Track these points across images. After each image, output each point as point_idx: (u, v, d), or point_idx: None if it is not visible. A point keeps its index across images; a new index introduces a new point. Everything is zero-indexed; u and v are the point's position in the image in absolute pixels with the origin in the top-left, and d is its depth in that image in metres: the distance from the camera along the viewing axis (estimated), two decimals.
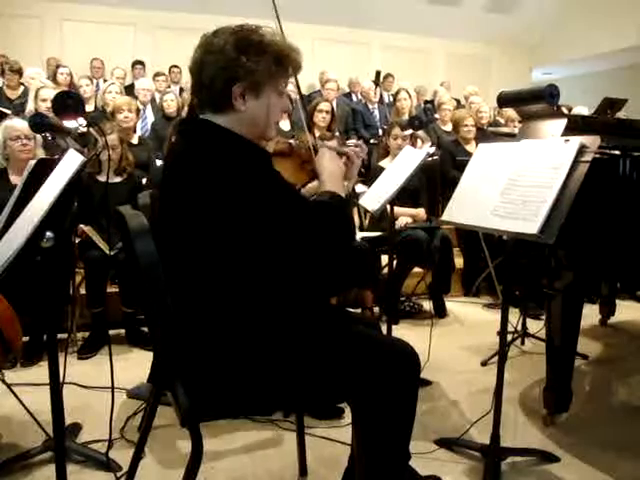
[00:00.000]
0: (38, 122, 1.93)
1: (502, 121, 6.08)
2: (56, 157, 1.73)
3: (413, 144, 3.87)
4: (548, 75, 10.48)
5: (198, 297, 1.31)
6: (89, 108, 5.46)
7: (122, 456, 1.93)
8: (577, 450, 2.08)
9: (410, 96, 6.11)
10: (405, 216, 3.76)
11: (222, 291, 1.29)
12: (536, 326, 3.25)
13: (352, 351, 1.35)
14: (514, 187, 1.71)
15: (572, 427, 2.27)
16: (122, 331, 3.26)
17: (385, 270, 3.49)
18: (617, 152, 2.09)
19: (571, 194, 1.57)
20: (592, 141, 1.64)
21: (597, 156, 1.82)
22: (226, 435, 2.15)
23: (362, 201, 2.72)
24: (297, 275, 1.26)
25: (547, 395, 2.27)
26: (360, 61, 9.03)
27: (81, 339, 3.15)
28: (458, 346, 3.26)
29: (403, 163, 2.62)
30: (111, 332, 3.23)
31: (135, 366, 2.75)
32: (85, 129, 1.91)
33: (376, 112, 6.80)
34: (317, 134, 4.26)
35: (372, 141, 6.02)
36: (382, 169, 3.04)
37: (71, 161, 1.61)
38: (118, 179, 3.30)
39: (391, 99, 7.16)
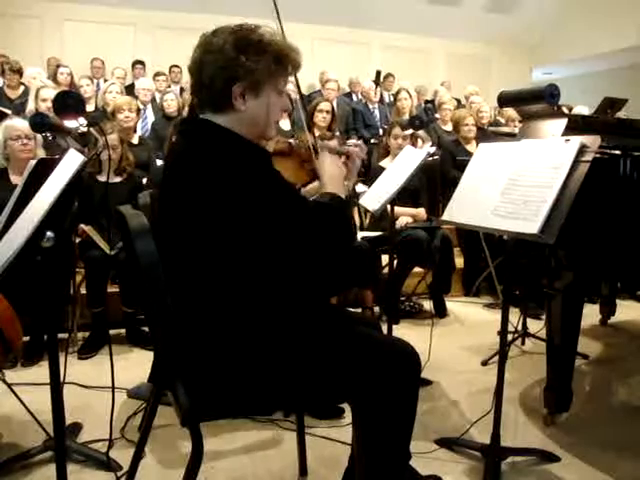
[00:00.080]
0: (39, 122, 1.93)
1: (502, 121, 6.08)
2: (56, 157, 1.73)
3: (413, 144, 3.87)
4: (548, 75, 10.48)
5: (198, 297, 1.31)
6: (89, 108, 5.46)
7: (122, 456, 1.93)
8: (577, 450, 2.08)
9: (410, 96, 6.12)
10: (405, 216, 3.76)
11: (222, 291, 1.29)
12: (536, 326, 3.25)
13: (352, 351, 1.35)
14: (514, 187, 1.71)
15: (572, 427, 2.27)
16: (122, 331, 3.26)
17: (385, 270, 3.49)
18: (617, 152, 2.09)
19: (571, 194, 1.57)
20: (592, 141, 1.64)
21: (597, 156, 1.82)
22: (226, 435, 2.15)
23: (362, 201, 2.72)
24: (297, 275, 1.26)
25: (547, 395, 2.27)
26: (360, 61, 9.03)
27: (81, 339, 3.15)
28: (458, 346, 3.26)
29: (403, 163, 2.62)
30: (111, 332, 3.23)
31: (135, 366, 2.75)
32: (85, 129, 1.91)
33: (376, 112, 6.80)
34: (317, 134, 4.27)
35: (372, 141, 6.03)
36: (382, 169, 3.04)
37: (71, 161, 1.61)
38: (118, 179, 3.30)
39: (391, 99, 7.16)
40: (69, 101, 1.97)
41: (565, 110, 4.77)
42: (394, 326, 2.71)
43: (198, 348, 1.32)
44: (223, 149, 1.29)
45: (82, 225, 3.01)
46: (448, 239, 3.79)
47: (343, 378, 1.34)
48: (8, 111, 4.23)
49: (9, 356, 2.29)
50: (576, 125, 2.11)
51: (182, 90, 6.66)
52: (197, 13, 7.52)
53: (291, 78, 1.52)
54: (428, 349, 2.51)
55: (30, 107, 4.45)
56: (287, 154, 1.78)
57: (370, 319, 2.64)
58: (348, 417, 2.19)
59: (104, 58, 7.32)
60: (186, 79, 6.68)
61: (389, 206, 2.59)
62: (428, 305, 3.89)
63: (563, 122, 2.00)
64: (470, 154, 3.55)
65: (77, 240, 3.07)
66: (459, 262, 4.20)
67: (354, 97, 7.43)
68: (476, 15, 9.36)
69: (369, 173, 4.01)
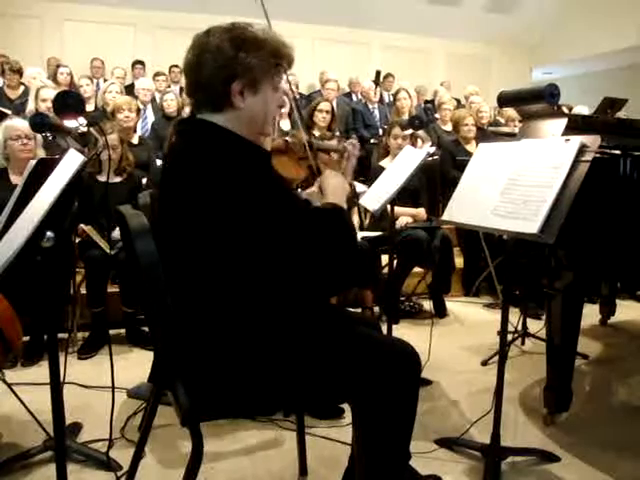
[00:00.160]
0: (39, 122, 1.93)
1: (502, 121, 6.08)
2: (56, 157, 1.73)
3: (413, 144, 3.87)
4: (548, 75, 10.48)
5: (198, 297, 1.31)
6: (89, 108, 5.46)
7: (122, 456, 1.93)
8: (577, 450, 2.08)
9: (410, 96, 6.12)
10: (405, 216, 3.76)
11: (221, 291, 1.28)
12: (536, 326, 3.25)
13: (352, 351, 1.35)
14: (514, 187, 1.71)
15: (572, 427, 2.27)
16: (122, 331, 3.26)
17: (385, 270, 3.49)
18: (617, 152, 2.09)
19: (571, 194, 1.57)
20: (592, 141, 1.64)
21: (597, 156, 1.82)
22: (226, 435, 2.15)
23: (362, 201, 2.72)
24: (297, 275, 1.26)
25: (547, 395, 2.27)
26: (360, 61, 9.03)
27: (81, 339, 3.15)
28: (458, 346, 3.26)
29: (403, 163, 2.62)
30: (111, 332, 3.23)
31: (135, 366, 2.75)
32: (85, 129, 1.91)
33: (376, 112, 6.80)
34: (317, 134, 4.27)
35: (372, 141, 6.03)
36: (382, 169, 3.04)
37: (71, 161, 1.61)
38: (118, 179, 3.30)
39: (391, 99, 7.16)
40: (69, 101, 1.97)
41: (565, 110, 4.77)
42: (394, 326, 2.72)
43: (198, 348, 1.31)
44: (222, 149, 1.29)
45: (82, 225, 3.01)
46: (448, 239, 3.79)
47: (343, 378, 1.34)
48: (8, 111, 4.23)
49: (9, 356, 2.29)
50: (576, 125, 2.11)
51: (182, 90, 6.65)
52: (197, 13, 7.51)
53: (285, 77, 1.52)
54: (428, 349, 2.51)
55: (30, 107, 4.45)
56: (284, 151, 1.80)
57: (370, 319, 2.65)
58: (348, 417, 2.19)
59: (104, 58, 7.32)
60: None
61: (389, 206, 2.59)
62: (428, 305, 3.89)
63: (563, 122, 2.00)
64: (470, 154, 3.55)
65: (77, 240, 3.07)
66: (459, 262, 4.20)
67: (354, 97, 7.43)
68: (476, 15, 9.36)
69: (369, 173, 4.02)
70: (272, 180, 1.30)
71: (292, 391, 1.35)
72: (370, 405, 1.33)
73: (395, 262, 2.93)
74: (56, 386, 1.62)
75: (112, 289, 3.21)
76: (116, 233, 2.94)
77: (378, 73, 7.48)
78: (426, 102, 7.67)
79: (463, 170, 1.99)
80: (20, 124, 2.90)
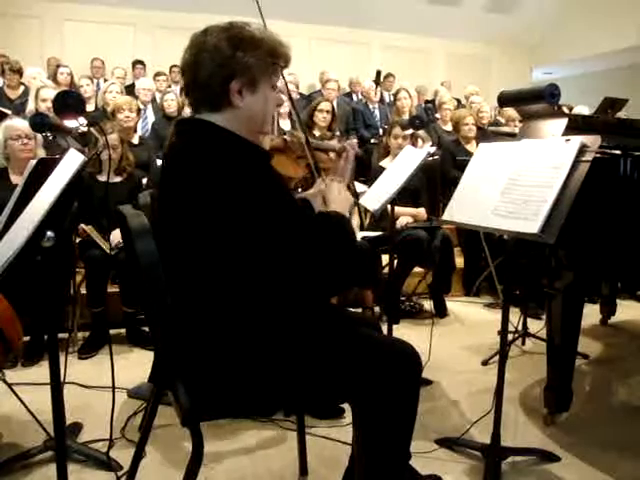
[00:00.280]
0: (39, 122, 1.93)
1: (503, 121, 6.08)
2: (57, 157, 1.73)
3: (414, 144, 3.87)
4: (548, 75, 10.48)
5: (198, 297, 1.31)
6: (90, 108, 5.46)
7: (123, 456, 1.93)
8: (577, 450, 2.08)
9: (410, 95, 6.12)
10: (406, 216, 3.76)
11: (221, 291, 1.28)
12: (537, 326, 3.25)
13: (353, 351, 1.35)
14: (515, 187, 1.71)
15: (572, 427, 2.27)
16: (123, 331, 3.26)
17: (385, 270, 3.49)
18: (618, 152, 2.09)
19: (572, 194, 1.57)
20: (593, 141, 1.64)
21: (598, 156, 1.82)
22: (226, 435, 2.15)
23: (362, 201, 2.72)
24: (296, 275, 1.26)
25: (548, 395, 2.27)
26: (360, 61, 9.03)
27: (82, 339, 3.15)
28: (459, 346, 3.26)
29: (404, 163, 2.62)
30: (112, 332, 3.23)
31: (136, 366, 2.75)
32: (85, 129, 1.91)
33: (377, 112, 6.80)
34: (318, 134, 4.27)
35: (372, 141, 6.03)
36: (383, 169, 3.04)
37: (72, 161, 1.61)
38: (118, 179, 3.30)
39: (391, 99, 7.16)
40: (69, 101, 1.97)
41: (565, 110, 4.77)
42: (394, 326, 2.71)
43: (198, 348, 1.31)
44: (221, 149, 1.28)
45: (82, 225, 3.01)
46: (448, 239, 3.79)
47: (343, 378, 1.34)
48: (8, 111, 4.23)
49: (9, 356, 2.29)
50: (576, 125, 2.11)
51: (182, 90, 6.65)
52: (197, 13, 7.50)
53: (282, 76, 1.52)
54: (428, 349, 2.51)
55: (30, 107, 4.45)
56: (282, 150, 1.81)
57: (370, 319, 2.64)
58: (348, 417, 2.19)
59: (104, 58, 7.31)
60: None
61: (389, 206, 2.59)
62: (428, 305, 3.89)
63: (563, 122, 2.00)
64: (470, 154, 3.55)
65: (77, 240, 3.07)
66: (459, 262, 4.20)
67: (354, 97, 7.43)
68: (476, 15, 9.36)
69: (369, 173, 4.02)
70: (271, 180, 1.30)
71: (292, 391, 1.34)
72: (370, 405, 1.33)
73: (395, 262, 2.93)
74: (56, 386, 1.62)
75: (112, 289, 3.21)
76: (115, 235, 2.95)
77: (378, 73, 7.48)
78: (426, 102, 7.67)
79: (463, 170, 1.98)
80: (20, 124, 2.90)
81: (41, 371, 2.67)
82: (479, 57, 9.98)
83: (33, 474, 1.90)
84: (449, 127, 5.76)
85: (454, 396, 2.58)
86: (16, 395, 2.08)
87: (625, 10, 8.11)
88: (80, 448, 2.00)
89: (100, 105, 5.49)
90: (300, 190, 2.21)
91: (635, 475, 1.94)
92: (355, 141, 5.82)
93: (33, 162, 1.77)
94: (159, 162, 4.25)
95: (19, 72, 5.68)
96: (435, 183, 4.20)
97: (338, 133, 5.03)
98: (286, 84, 1.90)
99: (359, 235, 3.46)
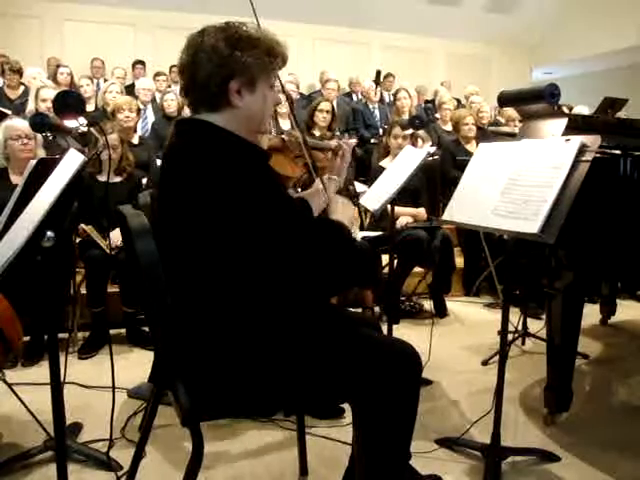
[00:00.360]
0: (39, 122, 1.93)
1: (502, 120, 6.08)
2: (57, 157, 1.73)
3: (414, 144, 3.87)
4: (548, 75, 10.48)
5: (198, 297, 1.31)
6: (90, 108, 5.46)
7: (123, 456, 1.93)
8: (577, 450, 2.08)
9: (410, 95, 6.12)
10: (406, 216, 3.76)
11: (221, 291, 1.28)
12: (537, 326, 3.25)
13: (353, 351, 1.35)
14: (515, 186, 1.71)
15: (572, 427, 2.27)
16: (123, 331, 3.26)
17: (385, 270, 3.49)
18: (617, 152, 2.09)
19: (572, 194, 1.57)
20: (593, 140, 1.64)
21: (598, 156, 1.82)
22: (226, 435, 2.15)
23: (362, 201, 2.72)
24: (295, 275, 1.26)
25: (548, 395, 2.27)
26: (360, 61, 9.03)
27: (82, 339, 3.15)
28: (459, 346, 3.26)
29: (404, 163, 2.62)
30: (112, 332, 3.23)
31: (136, 366, 2.75)
32: (85, 129, 1.91)
33: (376, 112, 6.80)
34: (318, 133, 4.28)
35: (372, 141, 6.03)
36: (383, 169, 3.04)
37: (72, 161, 1.61)
38: (118, 179, 3.30)
39: (391, 99, 7.16)
40: (69, 101, 1.97)
41: (565, 110, 4.77)
42: (394, 326, 2.71)
43: (198, 348, 1.31)
44: (220, 149, 1.28)
45: (82, 225, 3.01)
46: (448, 239, 3.79)
47: (343, 379, 1.34)
48: (8, 111, 4.23)
49: (9, 356, 2.29)
50: (576, 125, 2.11)
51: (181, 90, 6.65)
52: (197, 13, 7.50)
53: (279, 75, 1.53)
54: (428, 349, 2.51)
55: (30, 107, 4.45)
56: (280, 150, 1.82)
57: (370, 319, 2.64)
58: (348, 417, 2.19)
59: (104, 58, 7.32)
60: None
61: (389, 206, 2.59)
62: (428, 305, 3.89)
63: (563, 122, 2.00)
64: (470, 154, 3.55)
65: (77, 240, 3.07)
66: (459, 262, 4.20)
67: (354, 97, 7.43)
68: (476, 15, 9.36)
69: (369, 173, 4.02)
70: (270, 180, 1.30)
71: (292, 391, 1.34)
72: (371, 405, 1.33)
73: (395, 262, 2.93)
74: (56, 386, 1.62)
75: (112, 289, 3.21)
76: (115, 235, 2.95)
77: (378, 73, 7.48)
78: (426, 102, 7.67)
79: (463, 170, 1.98)
80: (20, 124, 2.90)
81: (41, 371, 2.67)
82: (479, 57, 9.99)
83: (33, 474, 1.90)
84: (449, 127, 5.76)
85: (454, 396, 2.58)
86: (16, 395, 2.08)
87: (625, 10, 8.11)
88: (80, 448, 2.00)
89: (100, 105, 5.49)
90: (300, 190, 2.22)
91: (635, 475, 1.94)
92: (354, 141, 5.83)
93: (33, 162, 1.77)
94: (159, 162, 4.24)
95: (19, 72, 5.68)
96: (435, 183, 4.20)
97: (338, 133, 5.03)
98: (281, 83, 1.90)
99: (359, 235, 3.46)
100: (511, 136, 3.57)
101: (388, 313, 2.92)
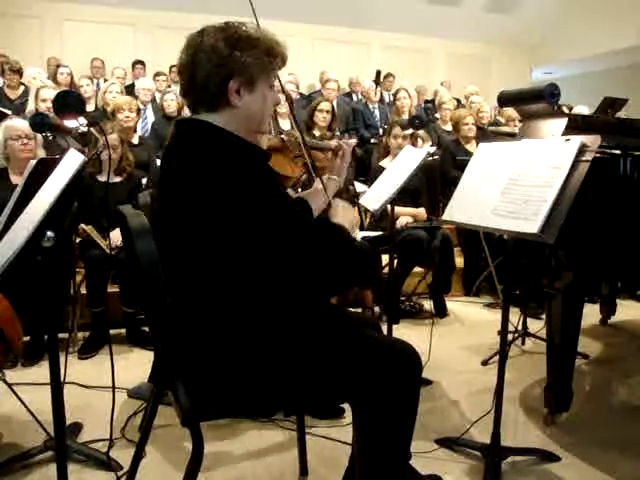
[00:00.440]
0: (39, 122, 1.93)
1: (502, 120, 6.08)
2: (57, 157, 1.73)
3: (413, 144, 3.87)
4: (548, 75, 10.48)
5: (198, 297, 1.31)
6: (90, 108, 5.46)
7: (123, 456, 1.93)
8: (577, 450, 2.08)
9: (410, 95, 6.12)
10: (406, 216, 3.77)
11: (221, 291, 1.28)
12: (537, 326, 3.25)
13: (353, 351, 1.35)
14: (515, 186, 1.71)
15: (572, 427, 2.27)
16: (123, 331, 3.26)
17: (385, 270, 3.49)
18: (617, 152, 2.09)
19: (572, 193, 1.57)
20: (593, 140, 1.64)
21: (598, 155, 1.82)
22: (226, 434, 2.15)
23: (362, 201, 2.72)
24: (295, 275, 1.26)
25: (548, 394, 2.27)
26: (360, 61, 9.03)
27: (82, 339, 3.15)
28: (458, 346, 3.26)
29: (403, 163, 2.62)
30: (112, 332, 3.23)
31: (136, 366, 2.75)
32: (85, 129, 1.91)
33: (376, 112, 6.80)
34: (318, 133, 4.28)
35: (372, 141, 6.03)
36: (382, 169, 3.04)
37: (72, 161, 1.61)
38: (118, 179, 3.30)
39: (391, 99, 7.16)
40: (69, 101, 1.97)
41: (565, 110, 4.77)
42: (394, 326, 2.72)
43: (198, 348, 1.31)
44: (220, 149, 1.28)
45: (82, 225, 3.01)
46: (448, 239, 3.79)
47: (343, 379, 1.34)
48: (8, 111, 4.23)
49: (9, 356, 2.29)
50: (576, 125, 2.11)
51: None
52: (197, 13, 7.50)
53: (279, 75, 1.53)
54: (428, 349, 2.51)
55: (30, 107, 4.45)
56: (280, 149, 1.82)
57: (370, 319, 2.64)
58: (348, 417, 2.19)
59: (104, 58, 7.32)
60: None
61: (389, 206, 2.59)
62: (428, 305, 3.89)
63: (563, 122, 2.00)
64: (470, 154, 3.55)
65: (77, 240, 3.07)
66: (459, 262, 4.20)
67: (354, 97, 7.43)
68: (476, 15, 9.36)
69: (369, 173, 4.02)
70: (269, 180, 1.30)
71: (292, 391, 1.34)
72: (370, 405, 1.33)
73: (395, 262, 2.93)
74: (56, 386, 1.62)
75: (112, 289, 3.21)
76: (115, 235, 2.95)
77: (378, 73, 7.47)
78: (426, 102, 7.67)
79: (463, 170, 1.99)
80: (20, 124, 2.90)
81: (41, 371, 2.67)
82: (479, 57, 9.99)
83: (33, 474, 1.90)
84: (449, 127, 5.76)
85: (454, 396, 2.58)
86: (16, 395, 2.08)
87: (625, 10, 8.11)
88: (80, 448, 2.00)
89: (100, 105, 5.49)
90: (300, 190, 2.22)
91: (635, 475, 1.94)
92: (354, 141, 5.83)
93: (33, 162, 1.77)
94: (159, 162, 4.24)
95: (19, 72, 5.68)
96: (435, 183, 4.20)
97: (338, 133, 5.03)
98: (281, 83, 1.91)
99: (359, 235, 3.46)
100: (511, 136, 3.57)
101: (388, 313, 2.92)
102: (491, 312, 4.00)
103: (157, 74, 6.96)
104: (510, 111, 5.43)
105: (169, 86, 6.74)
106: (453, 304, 4.08)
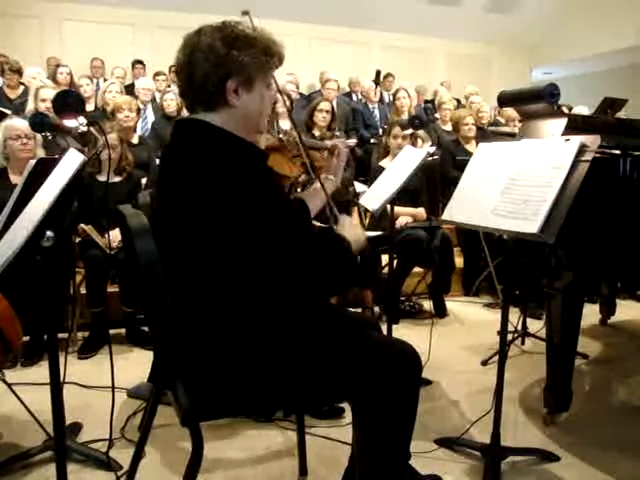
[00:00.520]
0: (38, 121, 1.92)
1: (502, 120, 6.08)
2: (56, 156, 1.73)
3: (413, 144, 3.87)
4: (548, 75, 10.48)
5: (198, 297, 1.31)
6: (89, 108, 5.45)
7: (122, 455, 1.93)
8: (577, 450, 2.08)
9: (410, 95, 6.11)
10: (405, 216, 3.76)
11: (221, 291, 1.28)
12: (536, 326, 3.25)
13: (352, 351, 1.35)
14: (514, 186, 1.71)
15: (572, 427, 2.27)
16: (122, 331, 3.26)
17: (385, 270, 3.49)
18: (617, 152, 2.09)
19: (571, 193, 1.57)
20: (592, 140, 1.64)
21: (597, 155, 1.82)
22: (226, 435, 2.15)
23: (362, 201, 2.72)
24: (294, 275, 1.26)
25: (547, 394, 2.27)
26: (360, 61, 9.03)
27: (81, 339, 3.15)
28: (458, 346, 3.26)
29: (403, 163, 2.62)
30: (111, 331, 3.23)
31: (135, 365, 2.75)
32: (85, 128, 1.91)
33: (376, 112, 6.80)
34: (317, 133, 4.27)
35: (372, 141, 6.02)
36: (382, 169, 3.04)
37: (71, 160, 1.61)
38: (118, 179, 3.30)
39: (391, 99, 7.16)
40: (69, 100, 1.97)
41: (565, 110, 4.77)
42: (394, 326, 2.72)
43: (198, 348, 1.31)
44: (218, 149, 1.28)
45: (82, 225, 3.01)
46: (448, 239, 3.79)
47: (343, 378, 1.34)
48: (8, 111, 4.23)
49: (9, 356, 2.29)
50: (576, 125, 2.11)
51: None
52: (196, 13, 7.50)
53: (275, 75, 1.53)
54: (428, 349, 2.51)
55: (30, 107, 4.44)
56: (278, 149, 1.82)
57: (370, 319, 2.64)
58: (348, 417, 2.19)
59: (104, 58, 7.32)
60: None
61: (389, 206, 2.59)
62: (428, 305, 3.89)
63: (563, 122, 2.00)
64: (470, 154, 3.55)
65: (77, 240, 3.07)
66: (459, 262, 4.20)
67: (354, 97, 7.43)
68: (476, 15, 9.36)
69: (369, 173, 4.02)
70: (268, 180, 1.30)
71: (292, 391, 1.34)
72: (370, 405, 1.33)
73: (395, 262, 2.93)
74: (56, 386, 1.62)
75: (112, 289, 3.21)
76: (115, 235, 2.95)
77: (378, 73, 7.47)
78: (426, 102, 7.67)
79: (463, 170, 1.98)
80: (20, 124, 2.90)
81: (41, 371, 2.66)
82: (479, 57, 9.99)
83: (33, 474, 1.90)
84: (449, 127, 5.75)
85: (454, 396, 2.58)
86: (16, 395, 2.08)
87: (625, 10, 8.11)
88: (80, 448, 2.00)
89: (100, 105, 5.48)
90: (300, 190, 2.22)
91: (635, 475, 1.94)
92: (354, 141, 5.83)
93: (33, 162, 1.77)
94: (159, 162, 4.24)
95: (19, 72, 5.67)
96: (435, 183, 4.20)
97: (338, 133, 5.03)
98: (276, 83, 1.91)
99: None
100: (511, 136, 3.57)
101: (388, 313, 2.91)
102: (491, 312, 4.00)
103: (157, 74, 6.96)
104: (510, 111, 5.43)
105: (169, 86, 6.73)
106: (453, 304, 4.09)
